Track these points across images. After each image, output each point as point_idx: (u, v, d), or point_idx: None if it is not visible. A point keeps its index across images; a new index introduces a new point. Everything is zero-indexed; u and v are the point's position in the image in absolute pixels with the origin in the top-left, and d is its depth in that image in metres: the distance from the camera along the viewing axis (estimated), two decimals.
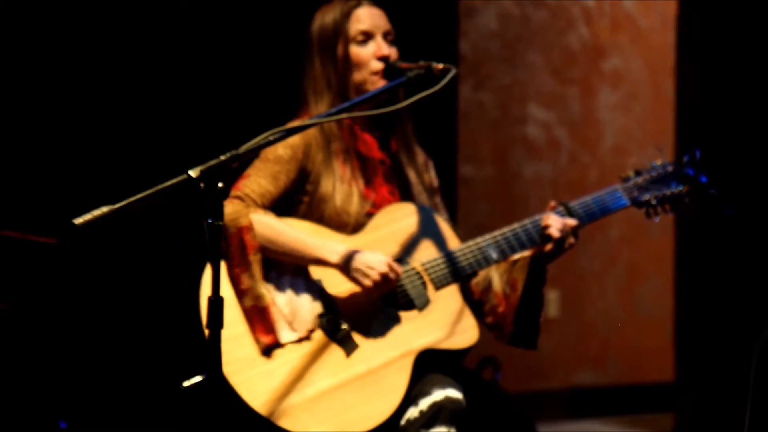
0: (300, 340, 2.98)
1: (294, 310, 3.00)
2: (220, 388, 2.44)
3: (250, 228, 2.97)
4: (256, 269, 2.97)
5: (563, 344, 5.81)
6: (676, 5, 5.24)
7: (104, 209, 2.35)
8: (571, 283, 5.82)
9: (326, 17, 3.18)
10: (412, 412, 2.94)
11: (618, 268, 6.00)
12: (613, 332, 5.93)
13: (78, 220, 2.33)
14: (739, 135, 4.86)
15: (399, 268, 3.01)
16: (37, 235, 3.26)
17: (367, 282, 2.98)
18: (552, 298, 5.74)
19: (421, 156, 3.29)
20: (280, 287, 3.02)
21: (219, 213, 2.41)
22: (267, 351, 2.96)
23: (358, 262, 2.98)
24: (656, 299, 5.96)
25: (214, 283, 2.41)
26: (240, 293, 2.96)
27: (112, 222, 2.36)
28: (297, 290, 3.03)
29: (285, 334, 2.97)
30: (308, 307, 3.01)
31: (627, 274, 6.02)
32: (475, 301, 3.21)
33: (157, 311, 3.90)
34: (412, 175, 3.23)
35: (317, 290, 3.04)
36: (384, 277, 2.97)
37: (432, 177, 3.31)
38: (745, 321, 4.37)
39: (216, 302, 2.41)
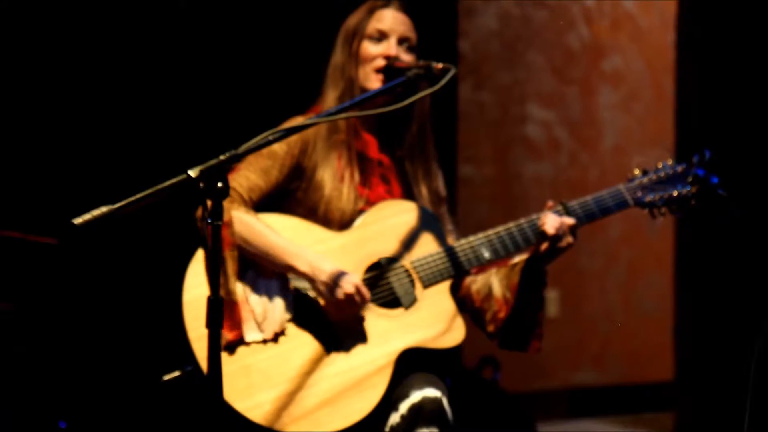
0: (267, 342, 2.98)
1: (266, 310, 3.00)
2: (218, 388, 2.44)
3: (229, 224, 2.98)
4: (230, 265, 2.97)
5: (563, 343, 5.81)
6: (676, 5, 5.24)
7: (103, 209, 2.36)
8: (571, 283, 5.83)
9: (356, 13, 3.23)
10: (394, 418, 2.94)
11: (618, 267, 6.00)
12: (613, 331, 5.94)
13: (77, 220, 2.33)
14: (739, 134, 4.86)
15: (366, 293, 2.98)
16: (38, 236, 3.26)
17: (331, 298, 2.97)
18: (552, 297, 5.75)
19: (434, 162, 3.29)
20: (257, 286, 3.03)
21: (218, 213, 2.41)
22: (234, 348, 2.95)
23: (326, 275, 2.97)
24: (656, 298, 5.96)
25: (212, 282, 2.42)
26: None
27: (112, 222, 2.36)
28: (273, 291, 3.03)
29: (251, 333, 2.97)
30: (280, 309, 3.01)
31: (627, 273, 6.02)
32: (476, 309, 3.19)
33: (157, 311, 3.90)
34: (415, 179, 3.23)
35: (295, 290, 3.04)
36: (348, 297, 2.95)
37: (439, 186, 3.31)
38: (745, 321, 4.37)
39: (216, 302, 2.42)
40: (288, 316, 3.01)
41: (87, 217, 2.35)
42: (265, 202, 3.11)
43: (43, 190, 3.87)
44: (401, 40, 3.18)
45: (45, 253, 3.39)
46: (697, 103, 5.10)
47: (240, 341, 2.96)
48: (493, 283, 3.18)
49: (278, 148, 3.09)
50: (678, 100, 5.29)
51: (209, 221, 2.40)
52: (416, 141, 3.23)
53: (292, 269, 3.01)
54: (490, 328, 3.17)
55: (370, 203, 3.14)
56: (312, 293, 3.02)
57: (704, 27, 5.03)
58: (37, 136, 3.90)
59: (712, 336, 4.99)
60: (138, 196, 2.39)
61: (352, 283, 2.96)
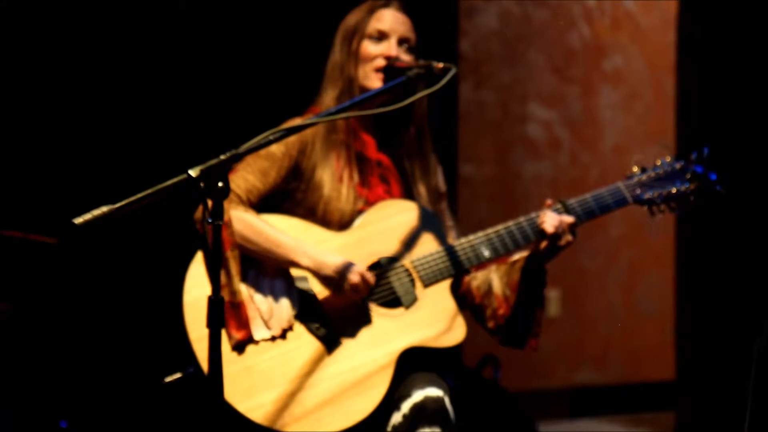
0: (275, 339, 2.98)
1: (271, 308, 3.00)
2: (219, 388, 2.44)
3: (228, 224, 2.98)
4: (233, 265, 2.98)
5: (564, 343, 5.81)
6: (677, 4, 5.24)
7: (104, 209, 2.36)
8: (571, 282, 5.82)
9: (355, 12, 3.23)
10: (396, 418, 2.94)
11: (618, 267, 6.00)
12: (614, 331, 5.93)
13: (78, 220, 2.34)
14: (740, 134, 4.86)
15: (371, 278, 3.00)
16: (38, 235, 3.26)
17: (337, 290, 2.99)
18: (552, 296, 5.74)
19: (432, 160, 3.29)
20: (259, 284, 3.03)
21: (219, 212, 2.41)
22: (243, 347, 2.96)
23: (330, 268, 2.98)
24: (657, 298, 5.96)
25: (213, 282, 2.42)
26: None
27: (113, 222, 2.36)
28: (276, 288, 3.03)
29: (259, 332, 2.98)
30: (286, 305, 3.02)
31: (628, 272, 6.02)
32: (477, 306, 3.20)
33: (158, 311, 3.90)
34: (414, 178, 3.23)
35: (297, 289, 3.04)
36: (354, 286, 2.97)
37: (439, 182, 3.31)
38: (745, 320, 4.37)
39: (217, 302, 2.42)
40: (294, 311, 3.02)
41: (87, 216, 2.35)
42: (264, 203, 3.11)
43: (43, 189, 3.87)
44: (401, 41, 3.18)
45: (45, 252, 3.39)
46: (698, 103, 5.10)
47: (249, 340, 2.97)
48: (493, 280, 3.18)
49: (276, 149, 3.09)
50: (678, 99, 5.29)
51: (210, 221, 2.41)
52: (414, 140, 3.23)
53: (294, 265, 3.01)
54: (490, 324, 3.19)
55: (369, 203, 3.15)
56: (315, 287, 3.02)
57: (705, 27, 5.03)
58: (37, 136, 3.90)
59: (713, 336, 4.99)
60: (138, 195, 2.39)
61: (356, 272, 2.98)
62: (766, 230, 4.66)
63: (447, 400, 2.95)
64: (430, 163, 3.26)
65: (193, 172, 2.41)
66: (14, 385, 3.51)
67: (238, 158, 2.49)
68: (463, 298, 3.19)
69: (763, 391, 2.83)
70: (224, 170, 2.44)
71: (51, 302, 3.80)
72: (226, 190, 2.42)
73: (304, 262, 3.00)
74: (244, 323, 2.96)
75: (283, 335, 2.99)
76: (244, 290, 2.99)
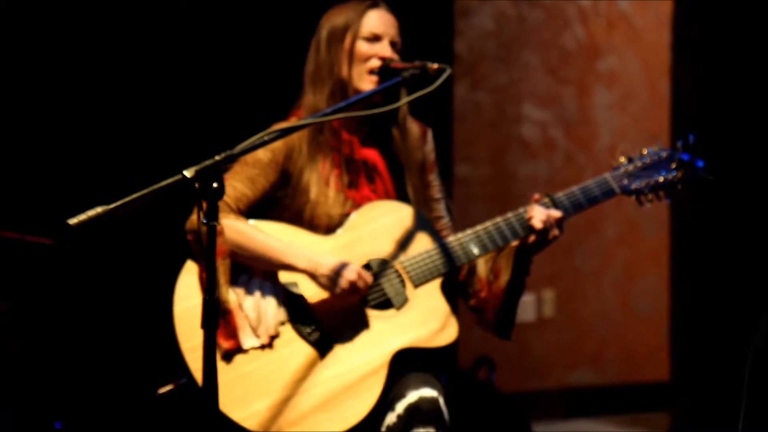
0: (264, 347, 2.97)
1: (259, 315, 2.99)
2: (213, 393, 2.43)
3: (220, 233, 2.96)
4: (222, 274, 2.96)
5: (559, 344, 5.81)
6: (672, 5, 5.24)
7: (99, 209, 2.36)
8: (566, 283, 5.82)
9: (342, 11, 3.19)
10: (390, 418, 2.94)
11: (614, 268, 6.00)
12: (609, 332, 5.94)
13: (72, 221, 2.33)
14: (735, 134, 4.86)
15: (368, 277, 2.99)
16: (35, 236, 3.26)
17: (335, 289, 2.97)
18: (548, 297, 5.74)
19: (414, 131, 3.26)
20: (249, 292, 3.02)
21: (214, 213, 2.41)
22: (231, 356, 2.95)
23: (326, 268, 2.97)
24: (652, 299, 5.96)
25: (209, 282, 2.41)
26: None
27: (108, 223, 2.36)
28: (265, 295, 3.02)
29: (248, 340, 2.97)
30: (273, 313, 3.00)
31: (623, 273, 6.02)
32: (460, 283, 3.21)
33: (152, 310, 3.90)
34: (404, 164, 3.22)
35: (286, 295, 3.03)
36: (352, 285, 2.96)
37: (427, 152, 3.28)
38: (740, 320, 4.37)
39: (212, 303, 2.42)
40: (282, 318, 3.01)
41: (82, 217, 2.35)
42: (253, 210, 3.10)
43: (40, 190, 3.86)
44: (392, 43, 3.17)
45: (42, 253, 3.39)
46: (693, 104, 5.10)
47: (238, 349, 2.96)
48: (477, 261, 3.19)
49: (263, 155, 3.07)
50: (673, 100, 5.29)
51: (204, 222, 2.40)
52: (399, 138, 3.22)
53: (291, 268, 3.00)
54: (472, 302, 3.20)
55: (357, 205, 3.13)
56: (307, 291, 3.01)
57: (699, 27, 5.03)
58: (34, 136, 3.90)
59: (708, 335, 4.99)
60: (134, 196, 2.39)
61: (353, 270, 2.96)
62: (761, 231, 4.66)
63: (441, 401, 2.95)
64: (412, 159, 3.23)
65: (188, 173, 2.41)
66: (11, 385, 3.51)
67: (233, 159, 2.49)
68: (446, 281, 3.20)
69: (758, 392, 2.83)
70: (219, 171, 2.43)
71: (47, 302, 3.79)
72: (221, 191, 2.42)
73: (299, 263, 2.99)
74: (232, 332, 2.95)
75: (270, 343, 2.98)
76: (233, 298, 2.98)
